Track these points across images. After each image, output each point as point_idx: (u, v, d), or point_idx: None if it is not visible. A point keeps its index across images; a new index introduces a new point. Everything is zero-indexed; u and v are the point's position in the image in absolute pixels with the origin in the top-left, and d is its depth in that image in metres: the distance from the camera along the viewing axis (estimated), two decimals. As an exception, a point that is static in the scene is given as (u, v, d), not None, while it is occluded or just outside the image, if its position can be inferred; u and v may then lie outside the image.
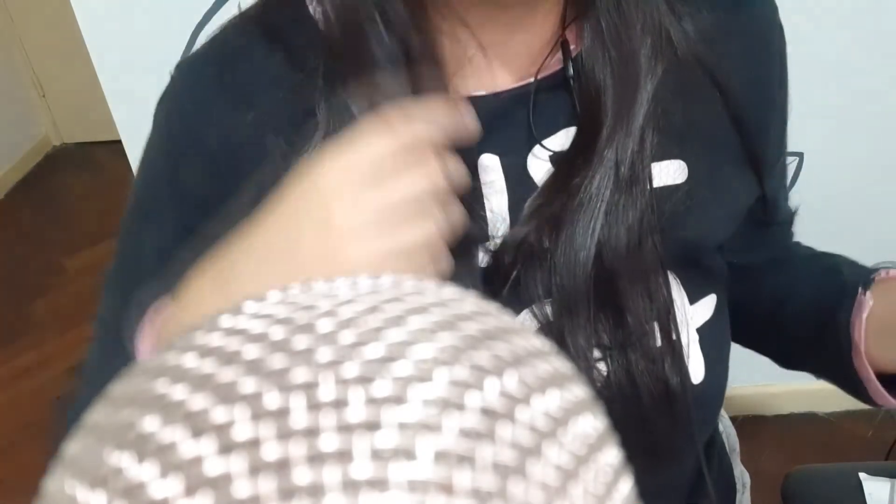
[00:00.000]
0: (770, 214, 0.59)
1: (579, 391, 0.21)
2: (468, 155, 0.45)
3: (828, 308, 0.55)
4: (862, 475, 1.03)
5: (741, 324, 0.61)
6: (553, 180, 0.47)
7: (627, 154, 0.46)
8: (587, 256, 0.46)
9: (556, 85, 0.48)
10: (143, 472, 0.17)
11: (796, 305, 0.60)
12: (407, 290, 0.21)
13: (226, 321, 0.20)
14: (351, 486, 0.16)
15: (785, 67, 0.55)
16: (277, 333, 0.19)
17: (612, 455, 0.20)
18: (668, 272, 0.49)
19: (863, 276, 0.54)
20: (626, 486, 0.20)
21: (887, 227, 1.36)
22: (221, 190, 0.46)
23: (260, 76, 0.49)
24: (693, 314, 0.53)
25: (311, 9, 0.48)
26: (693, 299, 0.53)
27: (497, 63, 0.49)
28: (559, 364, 0.21)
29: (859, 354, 0.52)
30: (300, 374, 0.17)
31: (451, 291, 0.21)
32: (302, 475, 0.16)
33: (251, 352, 0.18)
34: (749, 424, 1.56)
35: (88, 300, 2.48)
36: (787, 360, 0.64)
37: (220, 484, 0.16)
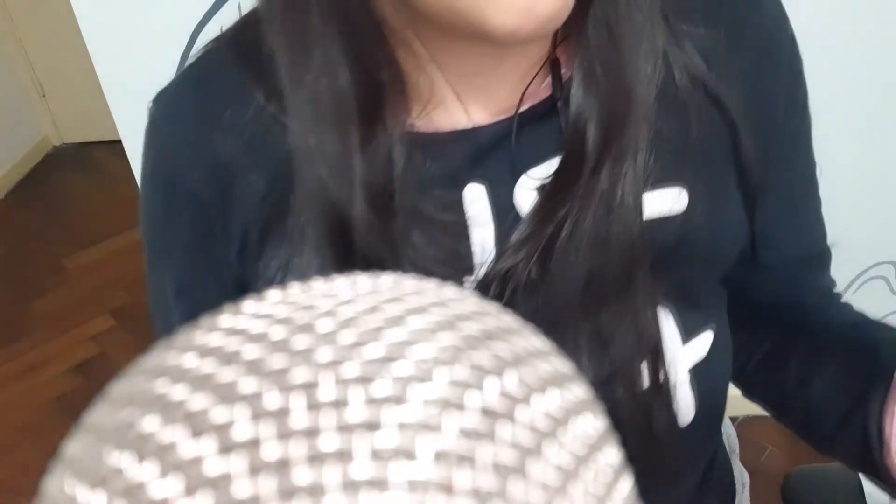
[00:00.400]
0: (758, 250, 0.53)
1: (579, 391, 0.21)
2: (452, 187, 0.44)
3: (859, 392, 0.49)
4: (862, 475, 1.03)
5: (768, 398, 0.58)
6: (539, 211, 0.45)
7: (617, 184, 0.43)
8: (574, 289, 0.44)
9: (546, 112, 0.46)
10: (143, 471, 0.17)
11: (824, 384, 0.53)
12: (407, 289, 0.21)
13: (225, 321, 0.20)
14: (351, 486, 0.16)
15: (797, 83, 0.51)
16: (277, 333, 0.18)
17: (612, 455, 0.20)
18: (662, 307, 0.47)
19: None
20: (626, 485, 0.20)
21: (888, 227, 1.36)
22: (220, 222, 0.46)
23: (241, 103, 0.47)
24: (686, 354, 0.51)
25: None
26: (687, 337, 0.50)
27: (482, 93, 0.46)
28: (559, 364, 0.21)
29: (890, 451, 0.47)
30: (300, 374, 0.17)
31: (451, 291, 0.21)
32: (302, 475, 0.16)
33: (251, 352, 0.18)
34: (749, 424, 1.56)
35: (88, 300, 2.48)
36: (816, 441, 0.57)
37: (220, 484, 0.16)
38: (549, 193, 0.44)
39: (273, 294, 0.21)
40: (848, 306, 0.58)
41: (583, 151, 0.44)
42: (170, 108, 0.50)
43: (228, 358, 0.18)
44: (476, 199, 0.45)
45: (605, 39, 0.44)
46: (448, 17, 0.38)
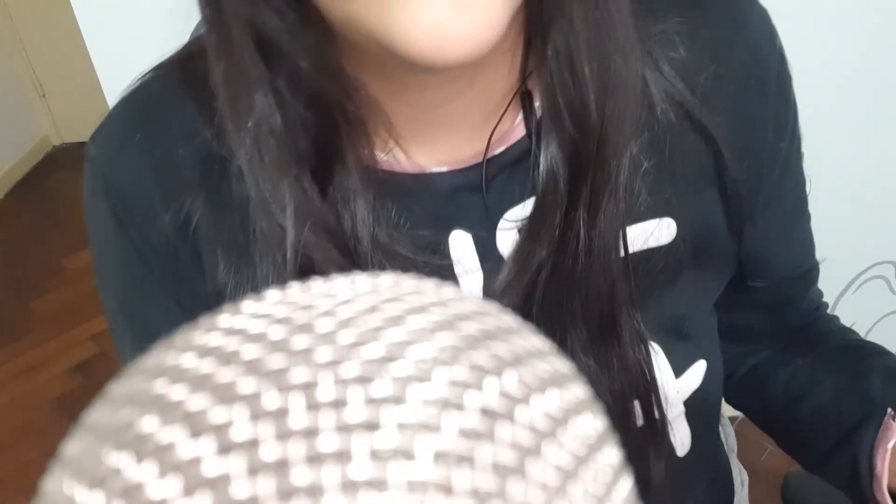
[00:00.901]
0: (747, 275, 0.52)
1: (579, 391, 0.21)
2: (435, 234, 0.43)
3: (850, 422, 0.49)
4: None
5: (751, 411, 0.57)
6: (518, 256, 0.43)
7: (594, 225, 0.41)
8: (559, 331, 0.43)
9: (522, 151, 0.43)
10: (142, 472, 0.17)
11: (813, 407, 0.53)
12: (406, 289, 0.21)
13: (224, 321, 0.20)
14: (350, 487, 0.16)
15: (786, 105, 0.48)
16: (276, 333, 0.18)
17: (611, 455, 0.20)
18: (652, 343, 0.46)
19: (893, 395, 0.47)
20: (626, 486, 0.20)
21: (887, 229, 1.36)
22: (191, 264, 0.45)
23: (191, 141, 0.44)
24: (680, 387, 0.49)
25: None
26: (680, 370, 0.49)
27: (450, 133, 0.43)
28: (559, 364, 0.21)
29: (881, 486, 0.46)
30: (299, 374, 0.17)
31: (450, 291, 0.21)
32: (301, 475, 0.16)
33: (250, 351, 0.18)
34: (749, 424, 1.56)
35: (88, 300, 2.49)
36: (803, 461, 0.57)
37: (219, 484, 0.16)
38: (527, 237, 0.43)
39: (272, 294, 0.21)
40: (834, 319, 0.58)
41: (556, 193, 0.41)
42: (113, 150, 0.46)
43: (227, 358, 0.18)
44: (460, 244, 0.44)
45: (567, 74, 0.39)
46: (363, 41, 0.35)
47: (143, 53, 0.48)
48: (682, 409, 0.50)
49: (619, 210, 0.42)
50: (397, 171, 0.43)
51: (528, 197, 0.43)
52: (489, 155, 0.43)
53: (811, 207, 0.55)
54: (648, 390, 0.45)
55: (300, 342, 0.18)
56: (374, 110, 0.41)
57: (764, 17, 0.47)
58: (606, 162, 0.41)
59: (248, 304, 0.20)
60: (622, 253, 0.43)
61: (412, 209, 0.43)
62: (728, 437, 0.69)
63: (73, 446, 0.19)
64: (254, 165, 0.40)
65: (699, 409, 0.51)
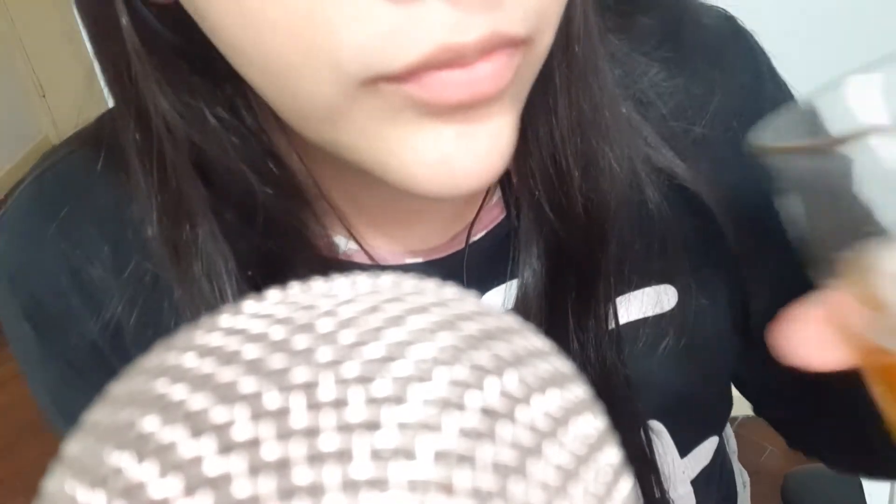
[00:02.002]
0: (755, 340, 0.46)
1: (579, 391, 0.21)
2: None
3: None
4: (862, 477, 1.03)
5: (778, 427, 0.54)
6: None
7: (584, 312, 0.39)
8: None
9: (503, 234, 0.41)
10: (143, 471, 0.17)
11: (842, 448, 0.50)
12: (407, 289, 0.21)
13: (225, 321, 0.20)
14: (351, 486, 0.16)
15: None
16: (277, 333, 0.19)
17: (612, 455, 0.20)
18: (654, 422, 0.44)
19: None
20: (626, 485, 0.20)
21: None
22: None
23: (108, 225, 0.39)
24: (686, 467, 0.47)
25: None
26: (686, 449, 0.46)
27: (419, 222, 0.41)
28: (559, 364, 0.21)
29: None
30: (300, 374, 0.17)
31: (451, 291, 0.21)
32: (302, 475, 0.16)
33: (251, 351, 0.18)
34: (749, 424, 1.56)
35: (88, 300, 2.48)
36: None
37: (220, 484, 0.16)
38: None
39: (273, 294, 0.21)
40: None
41: (539, 281, 0.39)
42: (21, 245, 0.40)
43: (228, 358, 0.18)
44: None
45: (550, 164, 0.37)
46: (360, 166, 0.32)
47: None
48: (689, 488, 0.47)
49: (608, 289, 0.40)
50: (367, 263, 0.41)
51: (510, 279, 0.41)
52: (456, 250, 0.41)
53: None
54: (647, 472, 0.43)
55: (301, 342, 0.18)
56: (339, 208, 0.39)
57: (749, 53, 0.44)
58: (592, 248, 0.39)
59: (250, 305, 0.20)
60: (612, 325, 0.40)
61: None
62: (728, 437, 0.69)
63: (74, 446, 0.19)
64: (191, 288, 0.36)
65: (708, 488, 0.48)
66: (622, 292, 0.42)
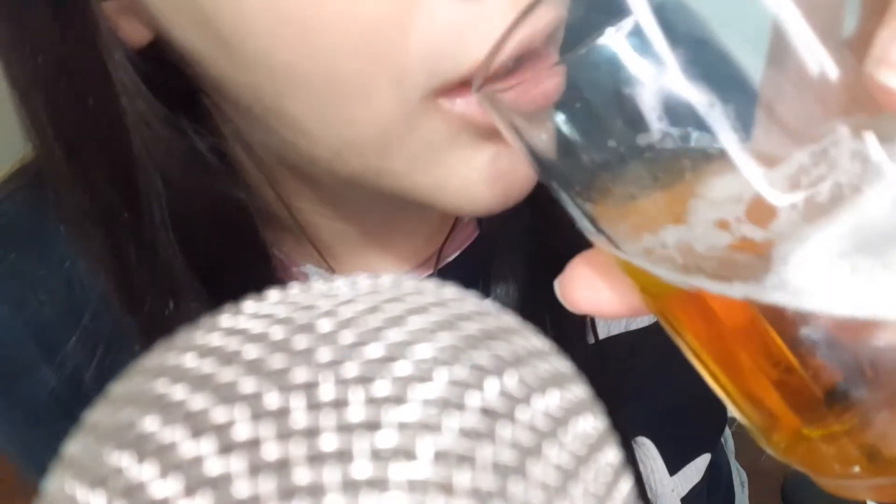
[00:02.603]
0: None
1: (579, 391, 0.21)
2: None
3: None
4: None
5: None
6: None
7: (560, 323, 0.38)
8: None
9: (477, 253, 0.41)
10: (143, 471, 0.17)
11: None
12: (407, 290, 0.21)
13: (226, 321, 0.20)
14: (351, 486, 0.16)
15: None
16: (277, 333, 0.19)
17: (612, 455, 0.20)
18: (638, 440, 0.43)
19: None
20: (626, 486, 0.20)
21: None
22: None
23: (60, 267, 0.38)
24: (675, 485, 0.46)
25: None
26: (676, 466, 0.45)
27: (401, 239, 0.41)
28: (559, 364, 0.21)
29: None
30: (300, 374, 0.17)
31: (451, 291, 0.21)
32: (302, 475, 0.16)
33: (251, 352, 0.18)
34: (749, 424, 1.56)
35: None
36: None
37: (220, 484, 0.16)
38: None
39: (273, 294, 0.21)
40: None
41: (512, 299, 0.40)
42: None
43: (228, 358, 0.18)
44: None
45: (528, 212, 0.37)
46: (398, 193, 0.32)
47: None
48: None
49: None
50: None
51: (485, 297, 0.40)
52: (442, 263, 0.41)
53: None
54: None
55: (301, 342, 0.18)
56: (314, 238, 0.38)
57: None
58: (565, 262, 0.38)
59: (250, 305, 0.20)
60: (592, 340, 0.40)
61: None
62: (727, 438, 0.69)
63: (75, 446, 0.19)
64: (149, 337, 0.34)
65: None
66: None
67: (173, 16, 0.29)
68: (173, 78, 0.33)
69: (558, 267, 0.36)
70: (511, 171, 0.31)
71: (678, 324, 0.25)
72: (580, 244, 0.37)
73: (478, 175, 0.30)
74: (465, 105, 0.28)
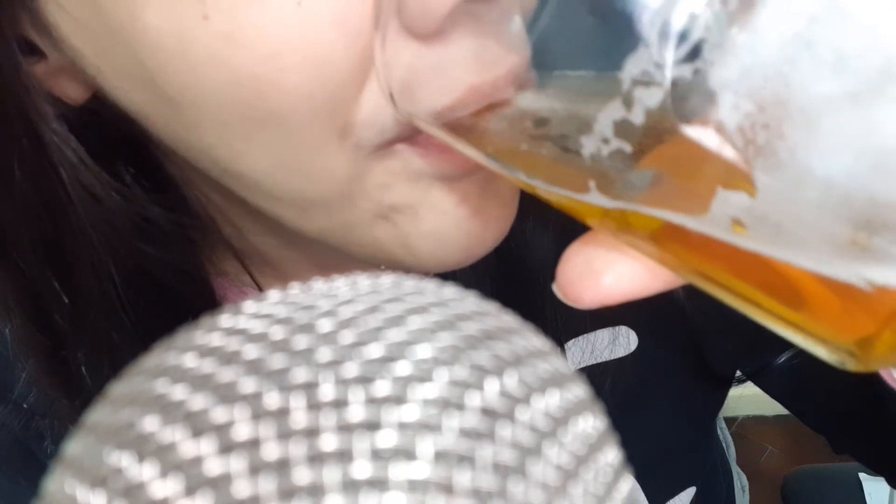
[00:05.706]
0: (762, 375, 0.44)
1: (579, 391, 0.21)
2: None
3: None
4: (862, 475, 1.03)
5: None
6: None
7: None
8: None
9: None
10: (143, 471, 0.17)
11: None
12: (407, 290, 0.21)
13: (226, 321, 0.20)
14: (351, 486, 0.16)
15: None
16: (277, 333, 0.19)
17: (612, 455, 0.20)
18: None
19: None
20: (626, 485, 0.20)
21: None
22: None
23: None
24: None
25: None
26: (659, 501, 0.44)
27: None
28: (559, 364, 0.21)
29: None
30: (300, 374, 0.17)
31: (451, 291, 0.21)
32: (302, 475, 0.16)
33: (251, 352, 0.18)
34: (749, 424, 1.56)
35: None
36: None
37: (220, 484, 0.16)
38: None
39: (273, 294, 0.21)
40: None
41: None
42: None
43: (228, 358, 0.18)
44: None
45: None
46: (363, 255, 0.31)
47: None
48: None
49: (556, 332, 0.38)
50: None
51: None
52: None
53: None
54: None
55: (301, 342, 0.18)
56: (274, 266, 0.38)
57: None
58: (532, 290, 0.37)
59: (249, 305, 0.20)
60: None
61: None
62: (728, 445, 0.69)
63: (75, 446, 0.19)
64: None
65: None
66: (574, 335, 0.40)
67: (114, 75, 0.27)
68: (116, 131, 0.31)
69: (520, 293, 0.35)
70: (484, 204, 0.29)
71: (689, 257, 0.22)
72: (544, 258, 0.36)
73: (450, 219, 0.29)
74: (425, 148, 0.27)
